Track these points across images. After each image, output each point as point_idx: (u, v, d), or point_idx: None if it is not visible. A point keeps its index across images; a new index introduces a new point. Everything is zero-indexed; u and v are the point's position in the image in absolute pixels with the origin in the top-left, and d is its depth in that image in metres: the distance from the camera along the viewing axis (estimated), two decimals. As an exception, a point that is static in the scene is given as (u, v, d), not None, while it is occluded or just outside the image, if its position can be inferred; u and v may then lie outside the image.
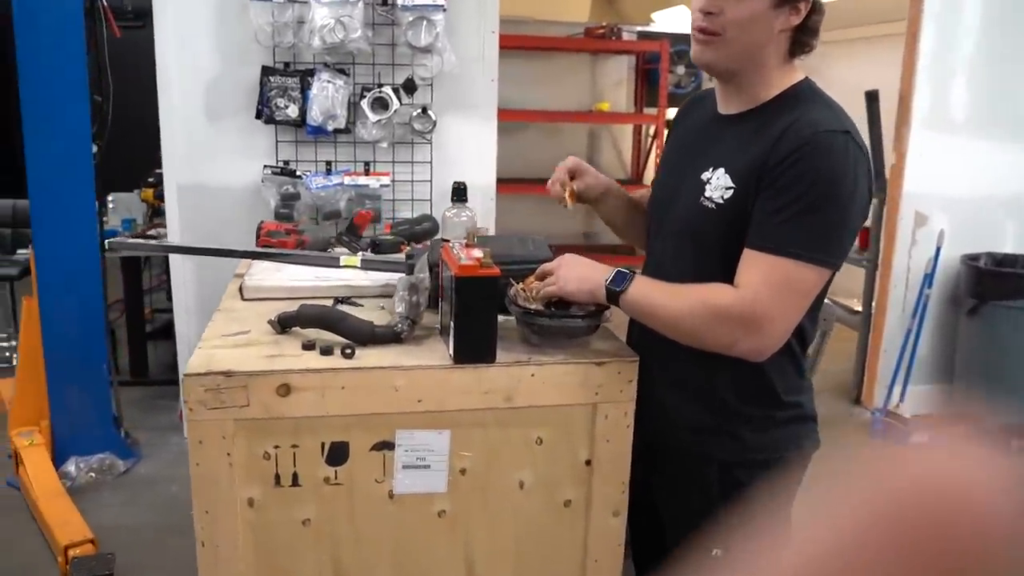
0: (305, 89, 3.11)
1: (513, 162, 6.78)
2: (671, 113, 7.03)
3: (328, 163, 3.22)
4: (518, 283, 1.51)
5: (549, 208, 7.47)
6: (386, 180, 3.20)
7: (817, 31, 1.42)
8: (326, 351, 1.42)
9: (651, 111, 6.93)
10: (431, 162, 3.28)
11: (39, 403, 3.11)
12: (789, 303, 1.32)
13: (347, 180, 3.18)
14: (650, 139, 7.07)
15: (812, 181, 1.29)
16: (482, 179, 3.36)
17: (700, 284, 1.36)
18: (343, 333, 1.45)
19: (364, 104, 3.14)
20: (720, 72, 1.44)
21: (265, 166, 3.16)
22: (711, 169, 1.43)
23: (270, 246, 2.08)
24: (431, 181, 3.28)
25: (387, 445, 1.41)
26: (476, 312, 1.37)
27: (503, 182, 6.50)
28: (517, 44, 6.47)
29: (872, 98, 3.80)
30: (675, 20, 7.45)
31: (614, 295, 1.39)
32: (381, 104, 3.14)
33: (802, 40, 1.42)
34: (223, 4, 3.11)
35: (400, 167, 3.27)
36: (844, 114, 1.39)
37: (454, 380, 1.40)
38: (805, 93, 1.42)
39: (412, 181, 3.28)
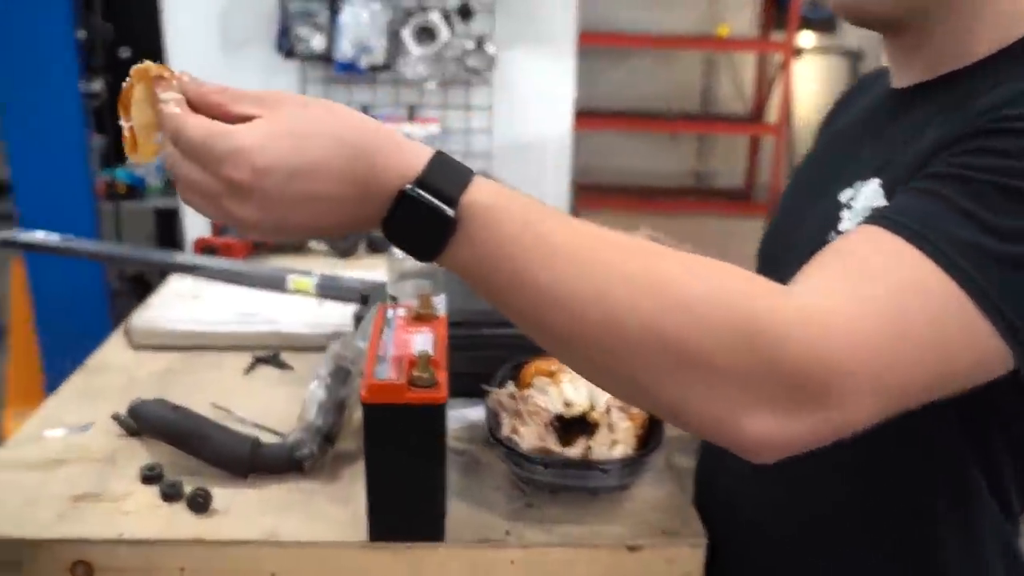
0: (335, 15, 2.50)
1: (614, 93, 6.01)
2: (803, 40, 6.08)
3: (364, 107, 2.61)
4: (503, 374, 0.88)
5: (652, 144, 6.74)
6: (435, 129, 2.58)
7: None
8: (171, 492, 0.84)
9: (779, 37, 6.00)
10: (491, 108, 2.63)
11: (33, 380, 2.70)
12: (913, 354, 0.59)
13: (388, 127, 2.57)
14: (777, 70, 6.15)
15: None
16: (555, 128, 2.70)
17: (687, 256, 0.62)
18: (206, 457, 0.86)
19: (406, 33, 2.50)
20: (883, 16, 0.76)
21: (290, 110, 2.58)
22: (857, 183, 0.76)
23: (212, 248, 1.51)
24: (491, 131, 2.64)
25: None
26: (404, 463, 0.75)
27: (600, 116, 5.79)
28: (626, -42, 5.66)
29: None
30: None
31: (440, 220, 0.59)
32: (427, 34, 2.50)
33: None
34: (237, -92, 2.50)
35: (452, 113, 2.64)
36: None
37: (373, 569, 0.80)
38: None
39: (467, 130, 2.65)
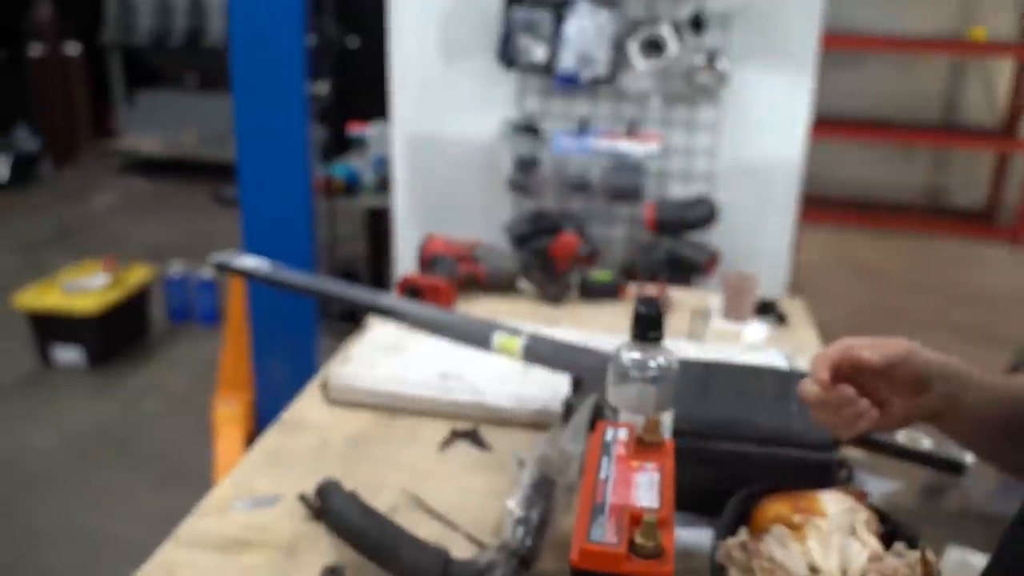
0: (559, 25, 2.39)
1: (850, 99, 5.58)
2: (1074, 45, 5.39)
3: (582, 120, 2.50)
4: (732, 513, 0.73)
5: (884, 155, 6.25)
6: (654, 147, 2.43)
7: None
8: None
9: (1046, 41, 5.36)
10: (717, 127, 2.44)
11: (243, 371, 2.80)
12: None
13: (604, 143, 2.45)
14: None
15: None
16: (786, 152, 2.48)
17: None
18: (393, 570, 0.77)
19: (632, 46, 2.35)
20: None
21: (504, 120, 2.51)
22: None
23: (415, 288, 1.43)
24: (715, 152, 2.46)
25: None
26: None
27: (830, 123, 5.38)
28: (872, -47, 5.24)
29: None
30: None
31: None
32: (654, 46, 2.35)
33: None
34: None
35: (675, 131, 2.47)
36: None
37: None
38: None
39: (690, 151, 2.47)
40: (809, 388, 0.78)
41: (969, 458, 1.05)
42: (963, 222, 5.87)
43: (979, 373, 0.83)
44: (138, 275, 3.60)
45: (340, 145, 3.74)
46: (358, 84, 3.21)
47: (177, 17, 5.96)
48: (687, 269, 2.39)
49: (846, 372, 0.78)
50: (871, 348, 0.78)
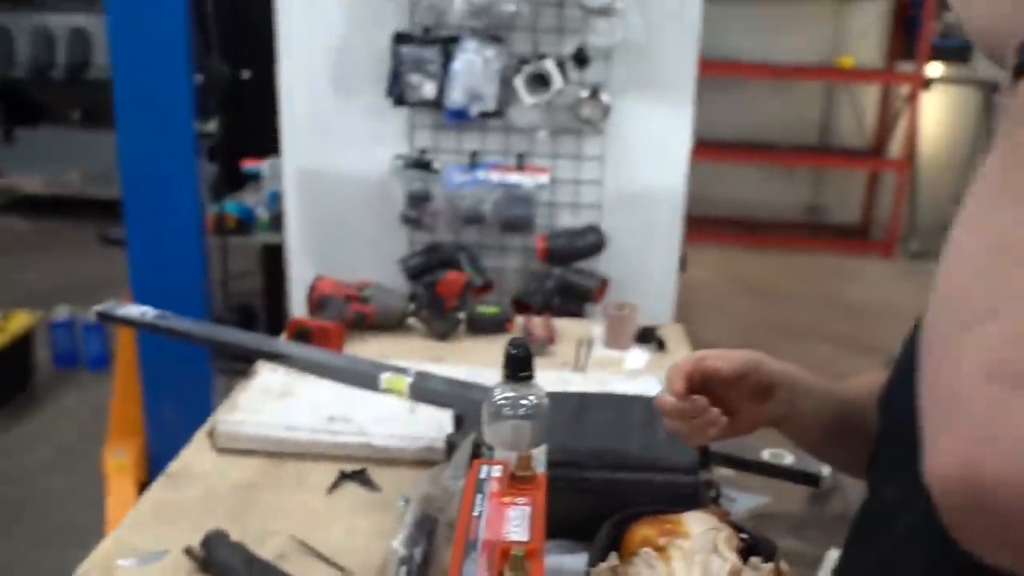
0: (447, 62, 2.44)
1: (728, 124, 5.82)
2: (932, 70, 5.76)
3: (473, 154, 2.55)
4: (603, 541, 0.78)
5: (766, 176, 6.52)
6: (544, 179, 2.50)
7: None
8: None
9: (907, 67, 5.71)
10: (603, 158, 2.53)
11: (133, 417, 2.74)
12: None
13: (495, 176, 2.50)
14: (903, 103, 5.84)
15: None
16: (669, 180, 2.58)
17: None
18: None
19: (519, 81, 2.42)
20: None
21: (396, 156, 2.54)
22: None
23: (304, 331, 1.45)
24: (602, 182, 2.54)
25: None
26: None
27: (714, 146, 5.60)
28: (747, -15, 5.50)
29: None
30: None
31: None
32: (540, 81, 2.42)
33: None
34: (354, -50, 2.47)
35: (563, 162, 2.55)
36: None
37: None
38: None
39: (577, 181, 2.55)
40: (664, 399, 0.83)
41: (825, 470, 1.13)
42: (840, 238, 6.17)
43: (815, 379, 0.91)
44: (20, 321, 3.47)
45: (235, 181, 3.70)
46: (252, 118, 3.19)
47: (59, 49, 5.75)
48: (579, 296, 2.46)
49: (699, 383, 0.84)
50: (722, 359, 0.84)
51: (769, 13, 5.80)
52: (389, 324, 1.63)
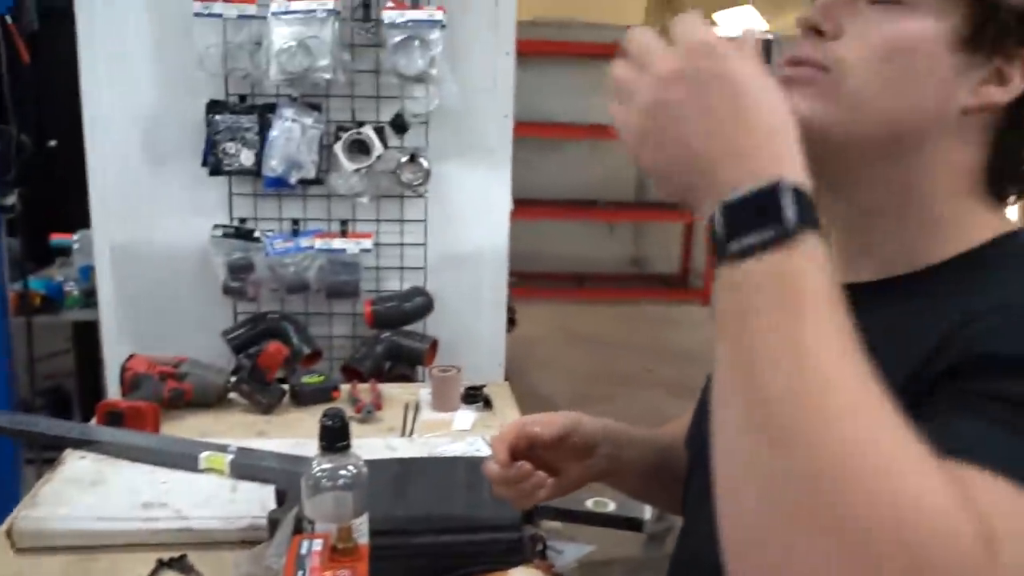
0: (264, 129, 2.42)
1: (552, 183, 6.04)
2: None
3: (295, 222, 2.53)
4: None
5: (589, 231, 6.79)
6: (368, 243, 2.51)
7: None
8: None
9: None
10: (426, 221, 2.56)
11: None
12: None
13: (318, 243, 2.49)
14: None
15: None
16: (492, 240, 2.65)
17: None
18: None
19: (339, 148, 2.44)
20: (830, 163, 0.68)
21: (215, 226, 2.48)
22: None
23: (116, 413, 1.39)
24: (425, 244, 2.57)
25: None
26: None
27: (536, 204, 5.80)
28: (560, 50, 5.76)
29: None
30: (740, 22, 6.62)
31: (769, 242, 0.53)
32: (360, 148, 2.44)
33: (1017, 156, 0.69)
34: (163, 19, 2.43)
35: (387, 226, 2.57)
36: None
37: None
38: (1014, 255, 0.69)
39: (402, 244, 2.57)
40: (491, 467, 0.86)
41: (647, 514, 1.19)
42: (662, 287, 6.50)
43: (634, 431, 0.97)
44: None
45: (42, 256, 3.50)
46: (61, 190, 3.03)
47: None
48: (410, 359, 2.47)
49: (523, 448, 0.88)
50: (541, 424, 0.89)
51: (582, 76, 6.10)
52: (209, 400, 1.58)
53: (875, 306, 0.69)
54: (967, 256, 0.69)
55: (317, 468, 0.83)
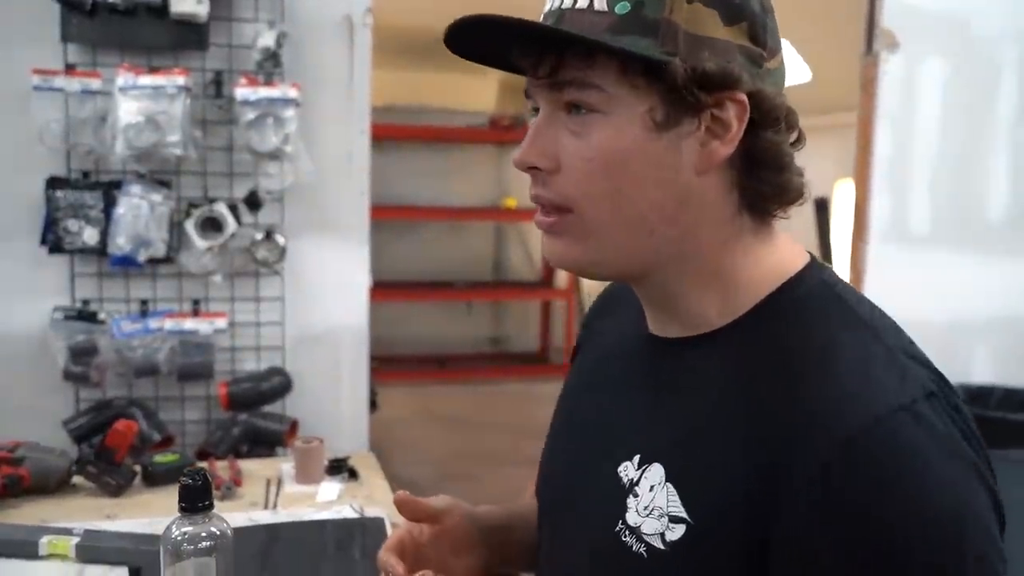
0: (110, 206, 2.33)
1: (411, 263, 6.06)
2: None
3: (143, 302, 2.42)
4: None
5: (449, 314, 6.83)
6: (222, 323, 2.43)
7: (781, 157, 0.70)
8: None
9: (563, 207, 6.34)
10: (283, 299, 2.51)
11: None
12: None
13: (168, 324, 2.39)
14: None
15: (886, 556, 0.57)
16: (351, 318, 2.62)
17: None
18: None
19: (190, 225, 2.37)
20: (610, 278, 0.81)
21: (56, 308, 2.35)
22: (636, 458, 0.73)
23: (-57, 502, 1.27)
24: (283, 323, 2.51)
25: None
26: None
27: (395, 287, 5.79)
28: (415, 134, 5.86)
29: (822, 207, 3.23)
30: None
31: None
32: (213, 225, 2.38)
33: (763, 181, 0.70)
34: (-2, 93, 2.32)
35: (242, 305, 2.50)
36: (896, 333, 0.70)
37: None
38: (818, 298, 0.71)
39: (258, 324, 2.51)
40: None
41: None
42: (522, 365, 6.56)
43: (514, 508, 0.95)
44: None
45: None
46: None
47: None
48: (269, 441, 2.38)
49: (411, 552, 0.83)
50: (415, 511, 0.84)
51: (437, 160, 6.21)
52: (49, 486, 1.46)
53: (691, 362, 0.73)
54: (767, 306, 0.71)
55: (177, 532, 0.78)
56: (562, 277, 6.50)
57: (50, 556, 1.04)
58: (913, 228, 3.32)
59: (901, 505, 0.57)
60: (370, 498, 1.46)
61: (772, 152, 0.69)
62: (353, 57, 2.51)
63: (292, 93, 2.33)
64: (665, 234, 0.70)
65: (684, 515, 0.66)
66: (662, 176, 0.68)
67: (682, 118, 0.67)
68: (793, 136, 0.70)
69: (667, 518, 0.67)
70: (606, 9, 0.65)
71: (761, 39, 0.68)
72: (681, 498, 0.67)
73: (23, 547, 1.05)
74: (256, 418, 2.38)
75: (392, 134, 5.36)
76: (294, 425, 2.40)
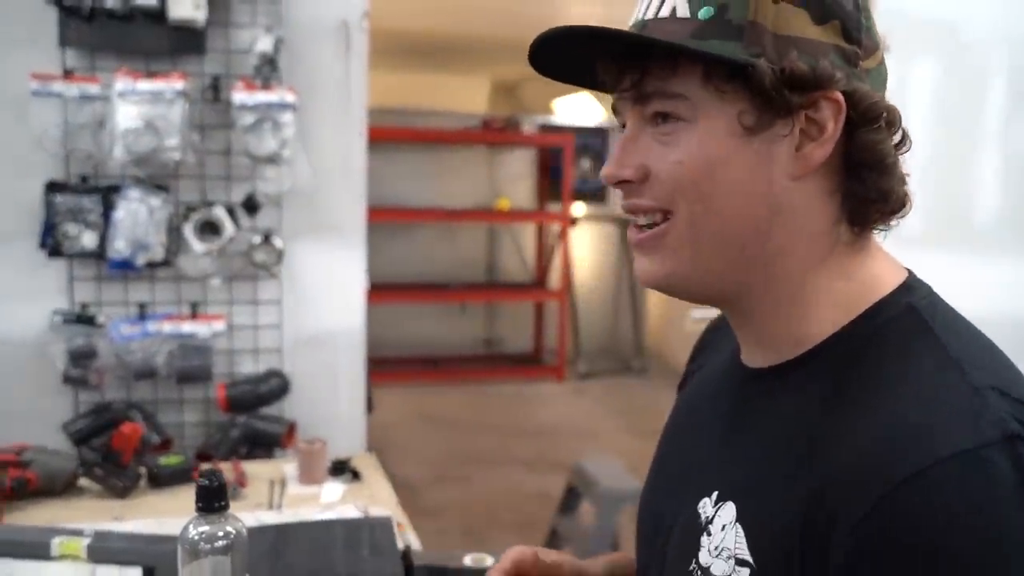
0: (109, 210, 2.34)
1: (405, 265, 6.08)
2: (576, 210, 6.48)
3: (142, 305, 2.44)
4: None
5: (443, 315, 6.84)
6: (220, 326, 2.44)
7: (884, 158, 0.66)
8: None
9: (555, 208, 6.37)
10: (280, 302, 2.53)
11: None
12: None
13: (167, 327, 2.40)
14: (556, 239, 6.47)
15: None
16: (347, 320, 2.63)
17: None
18: None
19: (188, 229, 2.38)
20: (699, 299, 0.72)
21: (55, 311, 2.36)
22: (715, 494, 0.70)
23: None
24: (281, 326, 2.53)
25: None
26: None
27: (389, 288, 5.79)
28: (410, 136, 5.88)
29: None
30: (578, 107, 6.97)
31: None
32: (211, 229, 2.40)
33: (866, 184, 0.66)
34: (-4, 99, 2.33)
35: (240, 309, 2.51)
36: (993, 368, 0.64)
37: None
38: (902, 327, 0.66)
39: (256, 326, 2.52)
40: None
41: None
42: (516, 366, 6.58)
43: (617, 560, 0.90)
44: None
45: None
46: None
47: None
48: (267, 443, 2.39)
49: None
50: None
51: (430, 162, 6.23)
52: (56, 488, 1.48)
53: (772, 397, 0.70)
54: (848, 334, 0.67)
55: (194, 531, 0.80)
56: (555, 279, 6.52)
57: (62, 557, 1.06)
58: (903, 229, 3.34)
59: (945, 553, 0.54)
60: (373, 498, 1.48)
61: (874, 152, 0.65)
62: (350, 61, 2.53)
63: (289, 97, 2.35)
64: (756, 251, 0.67)
65: (749, 559, 0.64)
66: (754, 184, 0.65)
67: (774, 121, 0.64)
68: (897, 136, 0.67)
69: (734, 560, 0.65)
70: (688, 16, 0.64)
71: (855, 37, 0.66)
72: (747, 540, 0.64)
73: (35, 548, 1.06)
74: (254, 420, 2.40)
75: (385, 136, 5.38)
76: (292, 427, 2.41)
